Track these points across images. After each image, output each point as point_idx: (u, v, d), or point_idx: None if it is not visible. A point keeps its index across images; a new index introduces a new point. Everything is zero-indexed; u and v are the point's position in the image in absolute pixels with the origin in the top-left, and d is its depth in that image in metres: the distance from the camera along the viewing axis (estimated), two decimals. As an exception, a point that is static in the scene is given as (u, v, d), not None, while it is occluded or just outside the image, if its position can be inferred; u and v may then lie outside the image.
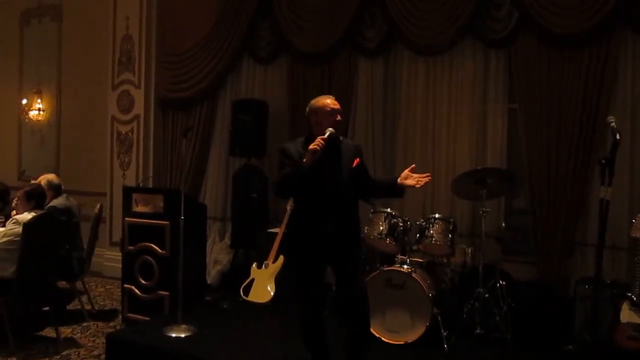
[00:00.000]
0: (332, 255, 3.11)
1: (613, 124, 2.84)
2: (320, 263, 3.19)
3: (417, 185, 3.08)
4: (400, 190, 3.15)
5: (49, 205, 4.62)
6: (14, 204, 4.41)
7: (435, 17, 4.85)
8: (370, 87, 5.30)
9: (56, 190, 4.90)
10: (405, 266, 3.93)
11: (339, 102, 3.23)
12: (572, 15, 4.33)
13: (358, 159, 3.20)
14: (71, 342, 4.27)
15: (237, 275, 5.23)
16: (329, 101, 3.18)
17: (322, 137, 2.97)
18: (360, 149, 3.33)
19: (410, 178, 3.09)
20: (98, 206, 5.24)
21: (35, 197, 4.25)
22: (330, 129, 3.04)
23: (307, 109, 3.23)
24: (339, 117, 3.15)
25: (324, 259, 3.16)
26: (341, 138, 3.21)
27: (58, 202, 4.80)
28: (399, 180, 3.11)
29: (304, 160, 2.95)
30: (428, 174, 3.15)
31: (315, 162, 2.92)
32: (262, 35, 5.86)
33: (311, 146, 2.92)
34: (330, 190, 3.06)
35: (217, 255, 5.95)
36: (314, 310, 3.19)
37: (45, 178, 4.92)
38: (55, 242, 4.30)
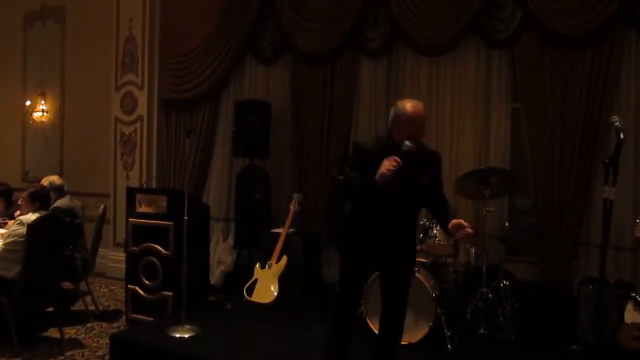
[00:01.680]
0: (384, 266, 3.05)
1: (617, 123, 2.84)
2: (369, 269, 3.16)
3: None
4: (449, 232, 3.00)
5: (53, 206, 4.64)
6: (18, 205, 4.43)
7: (438, 17, 4.85)
8: (373, 88, 5.29)
9: (59, 191, 4.91)
10: (408, 266, 3.92)
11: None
12: (575, 15, 4.32)
13: (427, 176, 2.93)
14: (75, 343, 4.27)
15: (241, 275, 5.24)
16: (411, 108, 2.84)
17: (397, 159, 2.68)
18: (437, 160, 3.05)
19: (460, 230, 2.82)
20: (102, 207, 5.26)
21: (40, 198, 4.26)
22: (408, 144, 2.75)
23: (392, 110, 2.93)
24: (419, 128, 2.85)
25: (375, 268, 3.13)
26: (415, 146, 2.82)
27: (62, 203, 4.82)
28: (449, 226, 2.86)
29: (376, 176, 2.69)
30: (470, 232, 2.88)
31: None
32: (264, 36, 5.86)
33: (383, 169, 2.66)
34: (394, 202, 2.87)
35: (221, 255, 5.95)
36: (350, 314, 3.15)
37: (48, 180, 4.94)
38: (59, 243, 4.30)
